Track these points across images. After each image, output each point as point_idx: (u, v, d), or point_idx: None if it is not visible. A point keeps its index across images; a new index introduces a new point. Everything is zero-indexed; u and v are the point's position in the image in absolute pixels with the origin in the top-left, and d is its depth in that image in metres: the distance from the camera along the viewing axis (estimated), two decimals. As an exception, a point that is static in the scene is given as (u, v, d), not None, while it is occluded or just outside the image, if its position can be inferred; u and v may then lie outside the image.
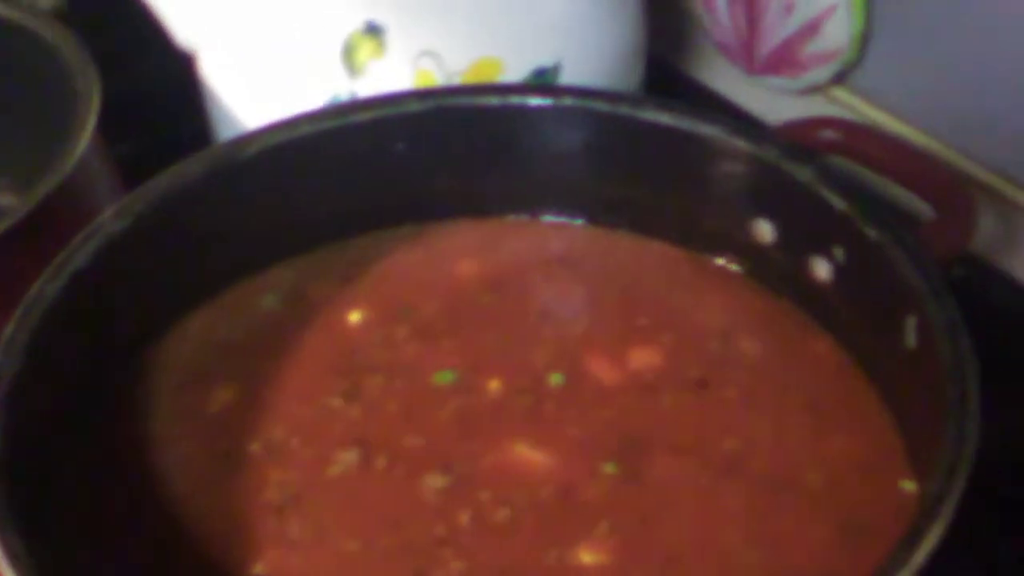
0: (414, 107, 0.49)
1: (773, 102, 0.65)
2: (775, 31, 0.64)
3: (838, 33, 0.62)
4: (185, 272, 0.47)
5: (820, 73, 0.64)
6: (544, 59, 0.54)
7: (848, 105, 0.64)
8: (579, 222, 0.51)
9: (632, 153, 0.49)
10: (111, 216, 0.45)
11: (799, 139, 0.47)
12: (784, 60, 0.64)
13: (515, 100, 0.49)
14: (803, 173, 0.45)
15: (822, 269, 0.46)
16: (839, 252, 0.45)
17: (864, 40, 0.62)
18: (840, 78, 0.64)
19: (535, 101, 0.49)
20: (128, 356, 0.46)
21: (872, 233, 0.43)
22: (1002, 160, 0.58)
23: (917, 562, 0.34)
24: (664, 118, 0.47)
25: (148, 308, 0.46)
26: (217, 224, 0.48)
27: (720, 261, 0.49)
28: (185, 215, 0.46)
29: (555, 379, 0.45)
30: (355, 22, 0.53)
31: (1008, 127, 0.58)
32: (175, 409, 0.45)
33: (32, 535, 0.37)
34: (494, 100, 0.49)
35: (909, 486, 0.41)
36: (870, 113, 0.63)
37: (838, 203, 0.44)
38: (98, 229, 0.44)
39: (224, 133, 0.57)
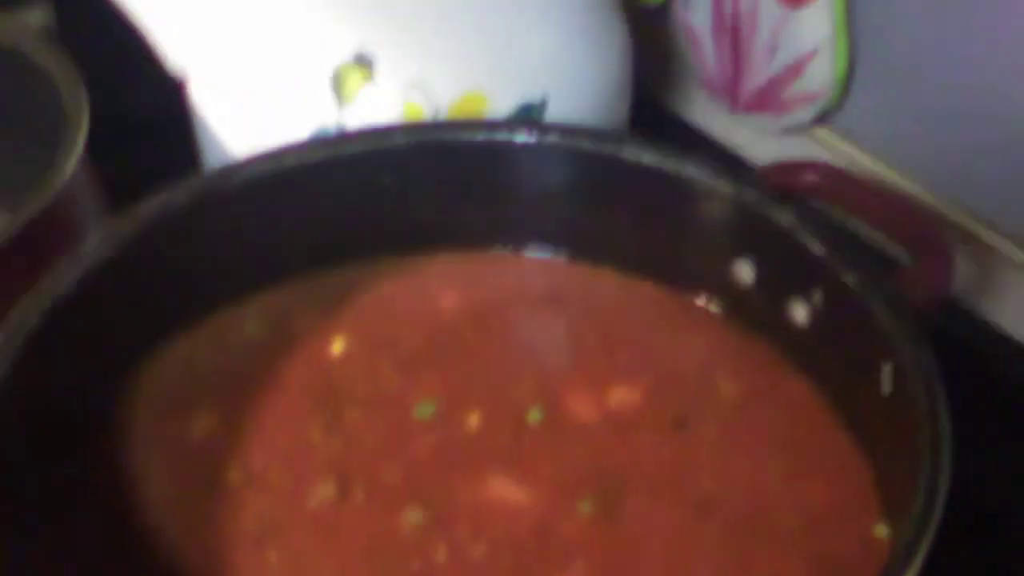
0: (400, 141, 0.49)
1: (756, 140, 0.65)
2: (759, 71, 0.64)
3: (821, 75, 0.62)
4: (168, 299, 0.47)
5: (803, 113, 0.64)
6: (531, 94, 0.55)
7: (831, 145, 0.64)
8: (562, 258, 0.51)
9: (615, 191, 0.49)
10: (95, 242, 0.45)
11: (780, 182, 0.48)
12: (768, 100, 0.65)
13: (500, 137, 0.49)
14: (783, 217, 0.46)
15: (800, 312, 0.46)
16: (817, 296, 0.45)
17: (847, 82, 0.63)
18: (823, 118, 0.65)
19: (520, 138, 0.49)
20: (109, 382, 0.46)
21: (850, 278, 0.44)
22: (982, 205, 0.59)
23: (888, 609, 0.35)
24: (646, 158, 0.48)
25: (130, 334, 0.46)
26: (201, 252, 0.48)
27: (700, 301, 0.50)
28: (170, 242, 0.47)
29: (534, 415, 0.46)
30: (344, 53, 0.53)
31: (988, 171, 0.59)
32: (154, 436, 0.45)
33: (5, 561, 0.37)
34: (480, 136, 0.49)
35: (882, 531, 0.42)
36: (852, 154, 0.64)
37: (817, 248, 0.45)
38: (82, 255, 0.44)
39: (212, 158, 0.57)
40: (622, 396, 0.46)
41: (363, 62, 0.53)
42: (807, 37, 0.62)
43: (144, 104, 0.64)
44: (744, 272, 0.48)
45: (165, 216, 0.46)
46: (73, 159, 0.50)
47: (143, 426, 0.46)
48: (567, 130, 0.50)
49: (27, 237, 0.48)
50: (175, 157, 0.59)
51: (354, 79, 0.53)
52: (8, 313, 0.43)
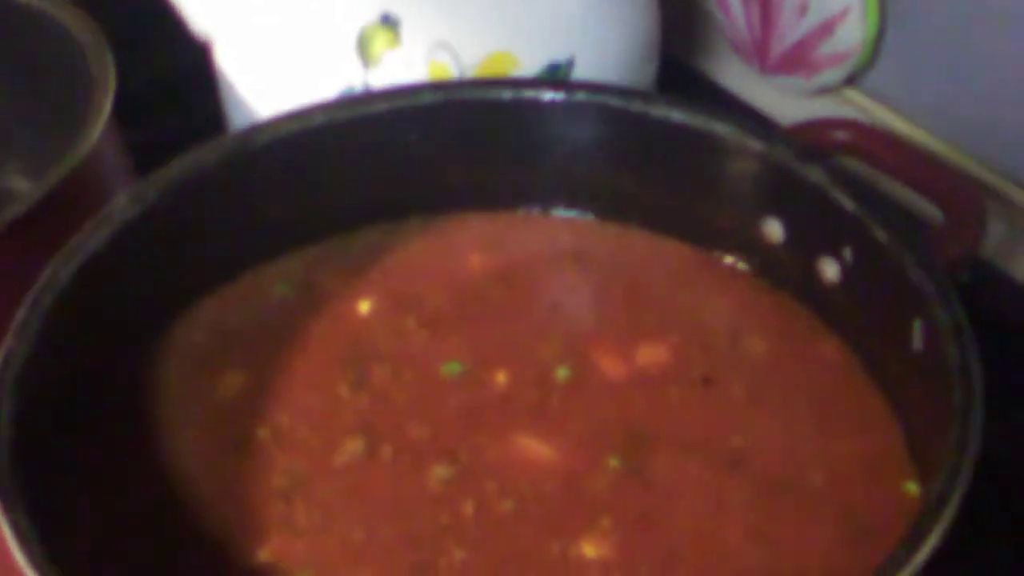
0: (427, 99, 0.49)
1: (785, 102, 0.65)
2: (789, 31, 0.64)
3: (851, 35, 0.62)
4: (197, 259, 0.48)
5: (833, 74, 0.64)
6: (558, 54, 0.54)
7: (860, 106, 0.64)
8: (589, 217, 0.51)
9: (643, 149, 0.49)
10: (124, 202, 0.45)
11: (811, 140, 0.47)
12: (797, 60, 0.64)
13: (528, 94, 0.49)
14: (814, 174, 0.45)
15: (831, 270, 0.46)
16: (848, 253, 0.45)
17: (877, 42, 0.62)
18: (853, 79, 0.64)
19: (548, 95, 0.49)
20: (139, 342, 0.46)
21: (881, 235, 0.43)
22: (1012, 164, 0.59)
23: (918, 562, 0.35)
24: (676, 115, 0.48)
25: (159, 294, 0.47)
26: (229, 212, 0.48)
27: (729, 259, 0.49)
28: (197, 203, 0.47)
29: (562, 373, 0.46)
30: (370, 14, 0.53)
31: (1018, 131, 0.58)
32: (185, 395, 0.45)
33: (40, 516, 0.37)
34: (507, 94, 0.49)
35: (912, 487, 0.42)
36: (882, 115, 0.63)
37: (848, 204, 0.44)
38: (111, 215, 0.44)
39: (238, 121, 0.57)
40: (650, 354, 0.46)
41: (388, 23, 0.53)
42: (837, -3, 0.61)
43: (170, 69, 0.65)
44: (774, 230, 0.48)
45: (193, 176, 0.46)
46: (101, 122, 0.50)
47: (174, 385, 0.46)
48: (595, 88, 0.49)
49: (56, 200, 0.48)
50: (201, 122, 0.59)
51: (380, 40, 0.53)
52: (39, 274, 0.43)
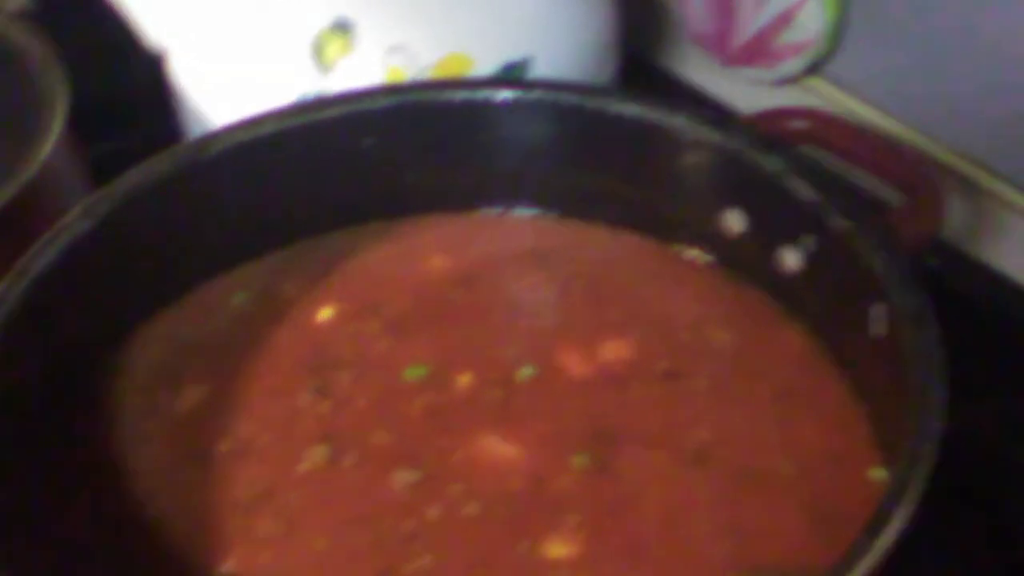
0: (380, 103, 0.48)
1: (749, 93, 0.65)
2: (749, 22, 0.64)
3: (811, 24, 0.62)
4: (153, 271, 0.47)
5: (794, 63, 0.64)
6: (514, 53, 0.54)
7: (824, 95, 0.64)
8: (550, 215, 0.51)
9: (602, 145, 0.49)
10: (75, 217, 0.44)
11: (768, 129, 0.47)
12: (758, 51, 0.64)
13: (482, 94, 0.49)
14: (771, 163, 0.45)
15: (791, 259, 0.46)
16: (808, 242, 0.45)
17: (837, 31, 0.62)
18: (815, 68, 0.64)
19: (503, 95, 0.49)
20: (97, 356, 0.46)
21: (840, 222, 0.43)
22: (975, 148, 0.59)
23: (882, 547, 0.34)
24: (632, 109, 0.47)
25: (116, 308, 0.46)
26: (184, 223, 0.47)
27: (691, 252, 0.49)
28: (151, 214, 0.46)
29: (525, 373, 0.45)
30: (324, 19, 0.53)
31: (980, 115, 0.58)
32: (144, 409, 0.45)
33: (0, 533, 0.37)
34: (462, 95, 0.49)
35: (878, 474, 0.41)
36: (846, 102, 0.63)
37: (806, 193, 0.44)
38: (62, 230, 0.44)
39: (195, 132, 0.57)
40: (613, 350, 0.46)
41: (342, 28, 0.53)
42: (795, -15, 0.61)
43: (125, 81, 0.64)
44: (734, 221, 0.47)
45: (146, 187, 0.46)
46: (53, 136, 0.50)
47: (133, 399, 0.45)
48: (549, 85, 0.49)
49: (9, 216, 0.48)
50: (158, 133, 0.58)
51: (334, 46, 0.53)
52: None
